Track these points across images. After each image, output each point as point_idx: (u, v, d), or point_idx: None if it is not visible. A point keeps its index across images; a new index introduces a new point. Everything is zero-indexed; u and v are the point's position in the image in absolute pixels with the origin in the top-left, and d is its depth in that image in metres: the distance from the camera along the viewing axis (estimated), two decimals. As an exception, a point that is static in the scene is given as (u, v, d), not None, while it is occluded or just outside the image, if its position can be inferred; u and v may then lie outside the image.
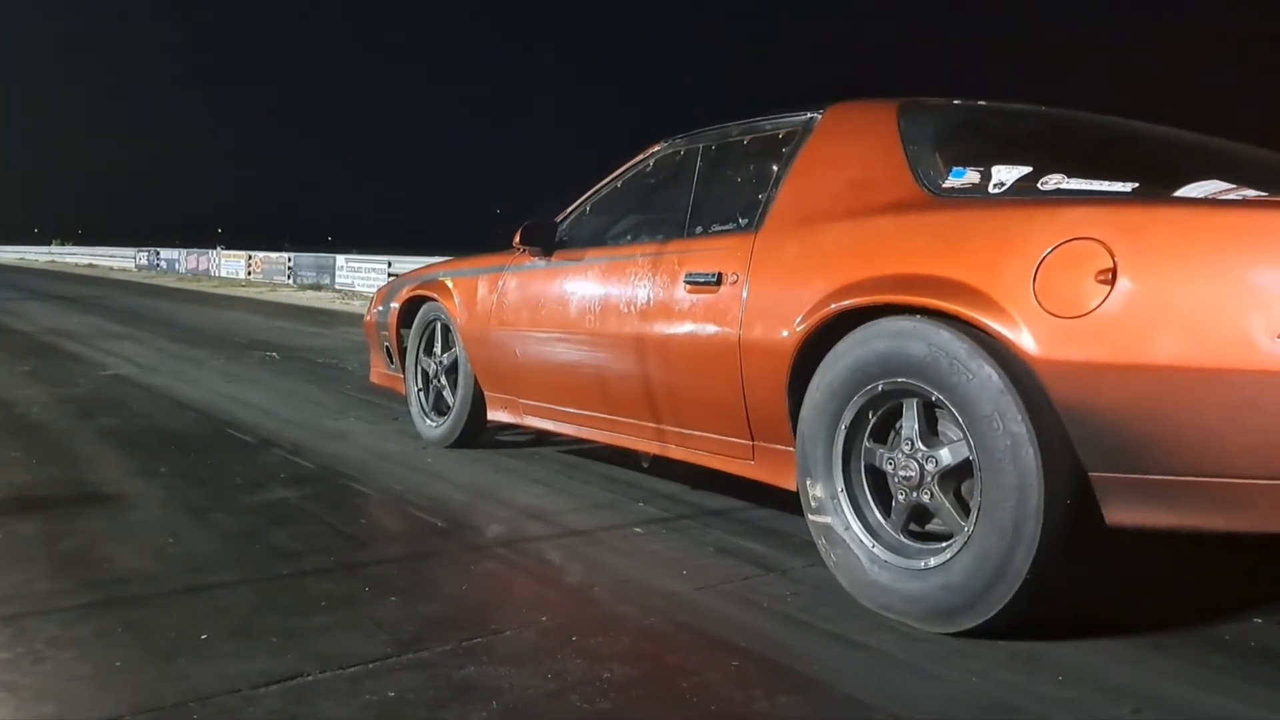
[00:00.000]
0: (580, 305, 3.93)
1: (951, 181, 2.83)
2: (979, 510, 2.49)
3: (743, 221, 3.33)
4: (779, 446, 3.16)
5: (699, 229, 3.55)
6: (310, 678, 2.47)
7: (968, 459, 2.54)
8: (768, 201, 3.24)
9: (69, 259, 50.67)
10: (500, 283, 4.50)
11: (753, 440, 3.25)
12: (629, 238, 3.96)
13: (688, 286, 3.37)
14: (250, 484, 4.56)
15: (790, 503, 3.30)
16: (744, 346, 3.12)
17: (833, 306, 2.80)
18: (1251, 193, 2.56)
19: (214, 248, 37.15)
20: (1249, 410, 2.05)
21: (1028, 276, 2.35)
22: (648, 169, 4.04)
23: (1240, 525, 2.20)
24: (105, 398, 6.67)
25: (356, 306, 17.88)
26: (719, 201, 3.56)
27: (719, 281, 3.25)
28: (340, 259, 25.85)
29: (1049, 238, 2.35)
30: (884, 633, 2.74)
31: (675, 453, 3.65)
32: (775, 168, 3.29)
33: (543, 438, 5.45)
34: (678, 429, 3.56)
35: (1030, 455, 2.34)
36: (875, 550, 2.78)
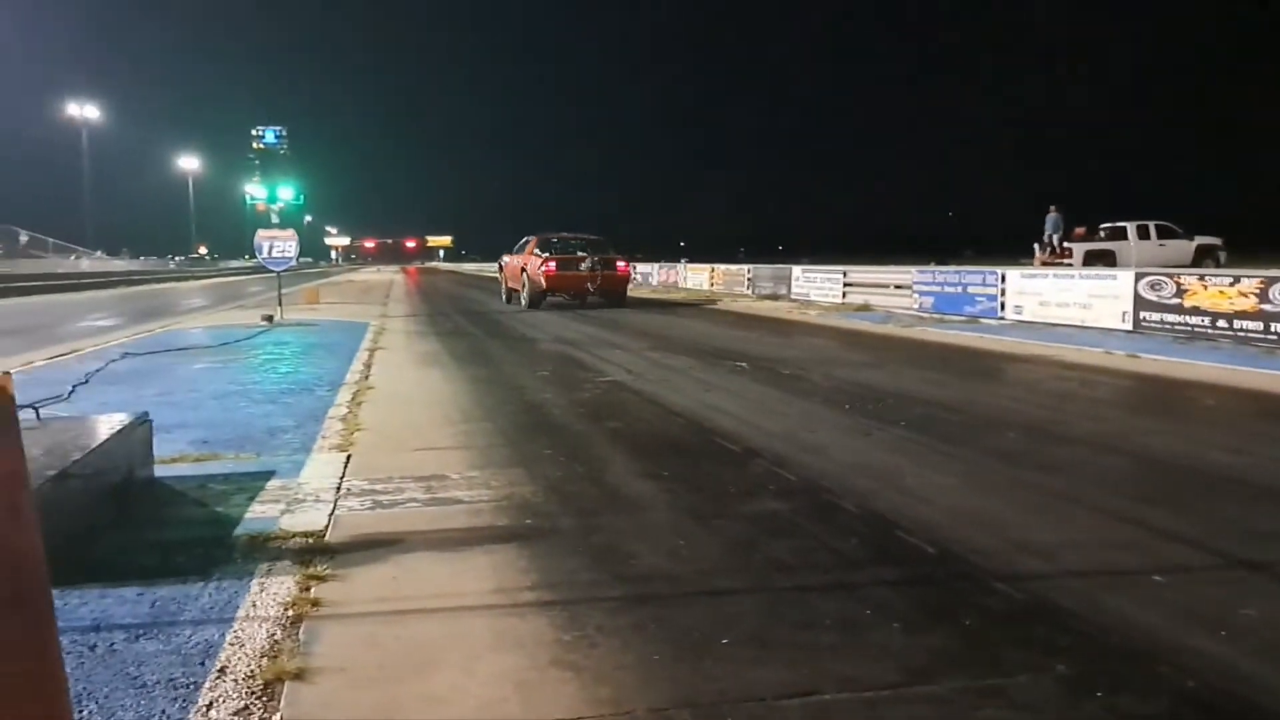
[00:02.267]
0: (514, 266, 23.40)
1: (545, 255, 21.62)
2: None
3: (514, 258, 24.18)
4: None
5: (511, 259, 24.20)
6: (827, 696, 2.55)
7: None
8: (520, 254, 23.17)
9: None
10: (517, 260, 22.77)
11: None
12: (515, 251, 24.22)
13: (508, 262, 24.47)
14: (742, 493, 4.81)
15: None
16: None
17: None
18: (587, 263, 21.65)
19: (679, 260, 39.12)
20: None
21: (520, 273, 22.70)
22: (519, 242, 23.90)
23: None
24: (608, 402, 7.44)
25: (813, 317, 18.23)
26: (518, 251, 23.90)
27: (502, 268, 26.09)
28: (796, 270, 26.03)
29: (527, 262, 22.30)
30: None
31: None
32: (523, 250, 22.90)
33: (1032, 462, 5.22)
34: None
35: None
36: None
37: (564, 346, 12.02)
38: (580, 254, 21.72)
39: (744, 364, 10.05)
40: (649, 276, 38.17)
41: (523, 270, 22.05)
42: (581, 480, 4.95)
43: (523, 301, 21.71)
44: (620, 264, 22.11)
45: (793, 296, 24.66)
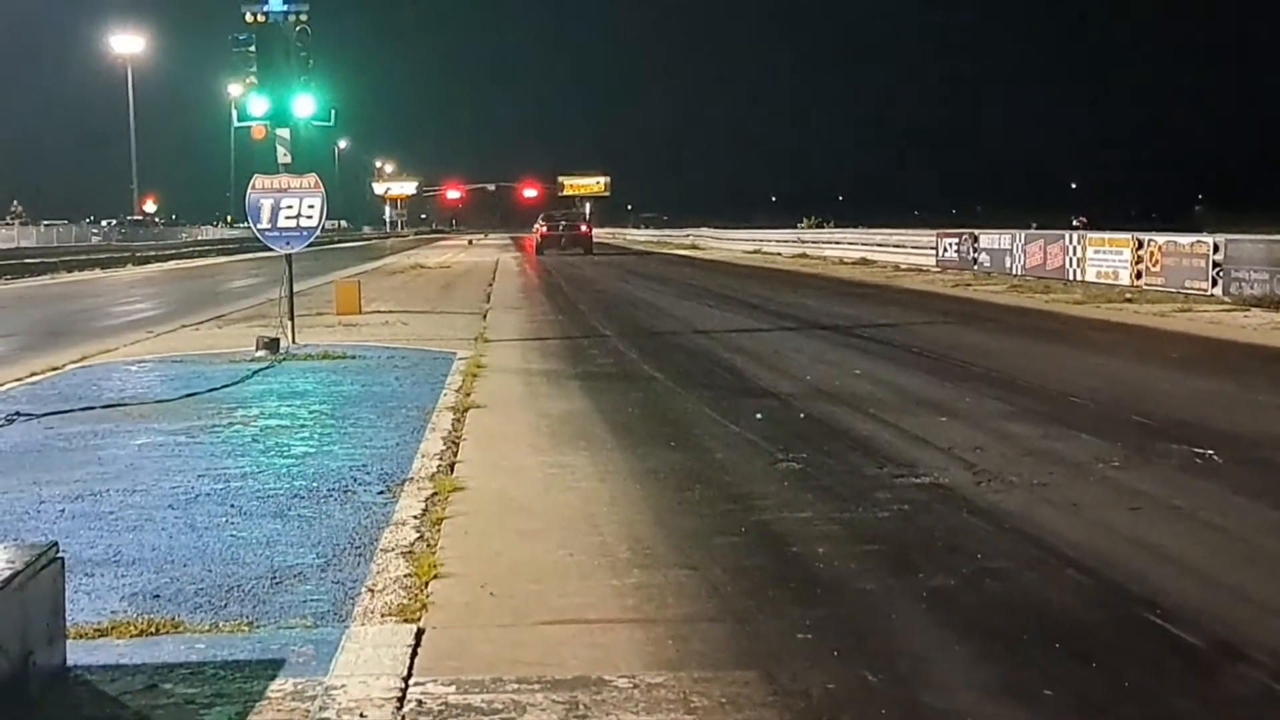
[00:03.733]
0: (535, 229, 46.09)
1: (543, 222, 45.05)
2: None
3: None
4: None
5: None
6: None
7: None
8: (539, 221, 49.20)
9: (829, 250, 33.51)
10: (537, 225, 45.86)
11: None
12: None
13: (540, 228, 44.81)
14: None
15: None
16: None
17: None
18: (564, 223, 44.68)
19: (1070, 228, 22.76)
20: None
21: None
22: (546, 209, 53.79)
23: None
24: (925, 531, 4.52)
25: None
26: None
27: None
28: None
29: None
30: None
31: None
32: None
33: None
34: None
35: None
36: None
37: (835, 409, 7.57)
38: (559, 221, 42.40)
39: (1211, 451, 5.88)
40: (1004, 258, 22.56)
41: (535, 232, 42.91)
42: (875, 699, 2.90)
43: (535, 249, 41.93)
44: (582, 227, 42.47)
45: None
